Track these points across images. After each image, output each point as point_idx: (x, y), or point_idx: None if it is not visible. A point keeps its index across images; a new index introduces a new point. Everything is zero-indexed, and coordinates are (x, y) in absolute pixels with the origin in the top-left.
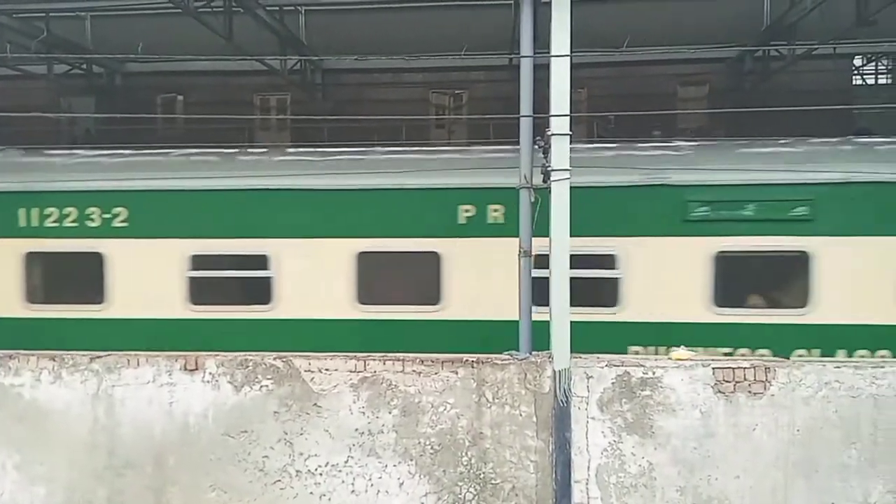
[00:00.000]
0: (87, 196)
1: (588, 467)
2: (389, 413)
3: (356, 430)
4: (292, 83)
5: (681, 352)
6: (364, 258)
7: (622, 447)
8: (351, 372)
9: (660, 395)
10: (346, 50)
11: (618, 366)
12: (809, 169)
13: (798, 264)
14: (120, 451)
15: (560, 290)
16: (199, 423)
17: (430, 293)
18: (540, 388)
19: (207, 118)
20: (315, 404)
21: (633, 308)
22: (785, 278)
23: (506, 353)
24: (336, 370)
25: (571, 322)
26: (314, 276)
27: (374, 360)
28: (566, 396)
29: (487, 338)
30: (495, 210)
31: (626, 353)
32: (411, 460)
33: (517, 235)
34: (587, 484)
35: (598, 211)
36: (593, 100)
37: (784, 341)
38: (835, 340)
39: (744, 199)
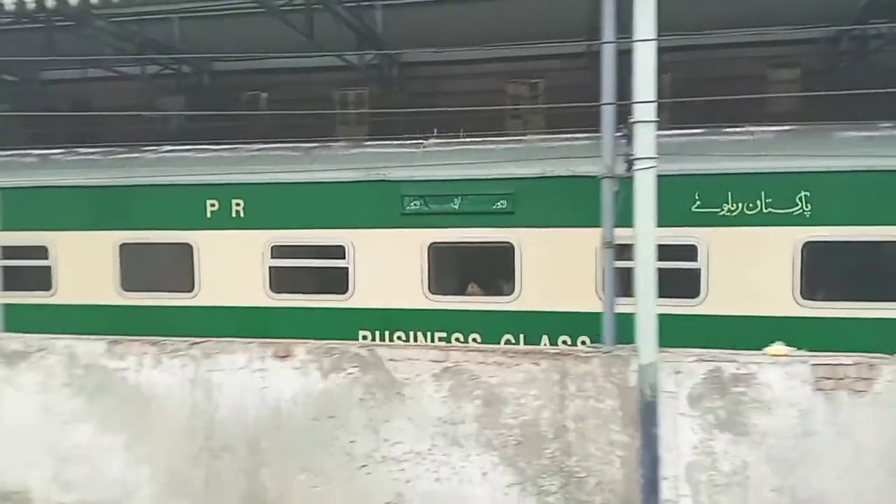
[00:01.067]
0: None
1: (677, 464)
2: (471, 403)
3: (439, 418)
4: (370, 78)
5: (777, 347)
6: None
7: (714, 444)
8: (433, 362)
9: (754, 391)
10: (423, 43)
11: (708, 361)
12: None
13: (504, 254)
14: (217, 435)
15: (646, 283)
16: (290, 408)
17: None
18: (625, 382)
19: (289, 114)
20: (398, 393)
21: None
22: (494, 268)
23: (589, 345)
24: (418, 360)
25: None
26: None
27: (456, 350)
28: (653, 392)
29: None
30: None
31: (356, 338)
32: (494, 451)
33: None
34: (676, 481)
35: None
36: (677, 84)
37: (493, 327)
38: (539, 327)
39: (453, 193)
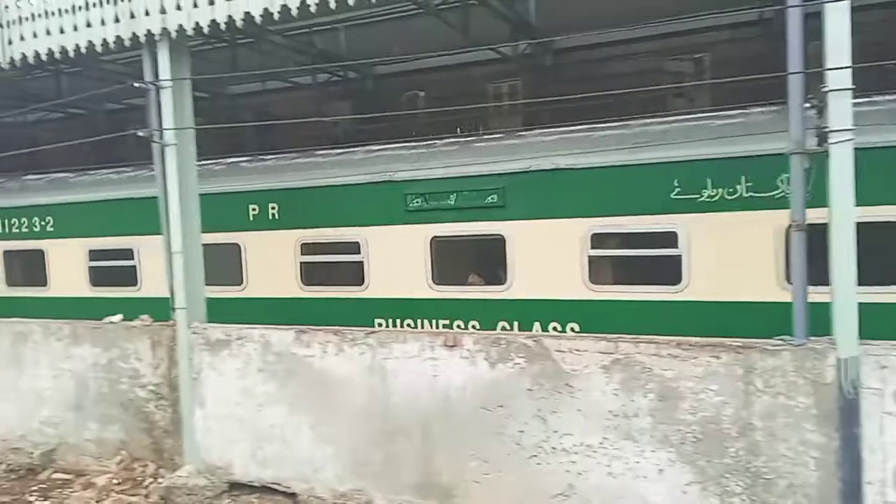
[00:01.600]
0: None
1: (884, 468)
2: (645, 397)
3: (610, 411)
4: (523, 68)
5: None
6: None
7: None
8: (602, 353)
9: None
10: (577, 28)
11: None
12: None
13: (497, 246)
14: (392, 419)
15: (845, 269)
16: (459, 395)
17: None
18: (820, 378)
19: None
20: (567, 384)
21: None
22: (489, 259)
23: (777, 337)
24: (586, 351)
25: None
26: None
27: (626, 341)
28: (854, 388)
29: None
30: None
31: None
32: (671, 447)
33: None
34: (883, 486)
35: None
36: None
37: (489, 314)
38: (530, 314)
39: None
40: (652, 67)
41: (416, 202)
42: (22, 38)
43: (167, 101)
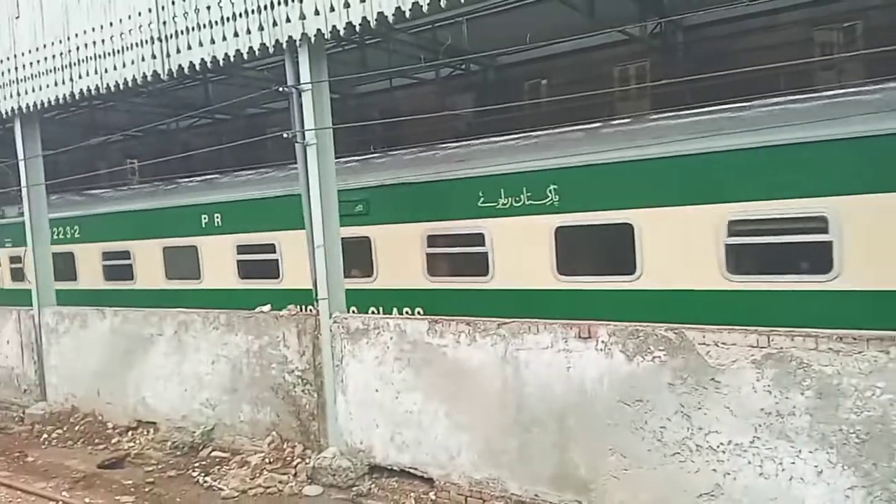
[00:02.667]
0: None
1: None
2: (801, 394)
3: (761, 409)
4: (652, 48)
5: None
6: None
7: None
8: (752, 347)
9: None
10: (711, 0)
11: None
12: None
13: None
14: (526, 409)
15: None
16: (595, 388)
17: None
18: None
19: (567, 98)
20: (712, 379)
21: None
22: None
23: None
24: (734, 344)
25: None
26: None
27: (780, 335)
28: None
29: None
30: None
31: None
32: (831, 448)
33: None
34: None
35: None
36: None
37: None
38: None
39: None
40: (798, 38)
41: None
42: (178, 51)
43: (307, 103)
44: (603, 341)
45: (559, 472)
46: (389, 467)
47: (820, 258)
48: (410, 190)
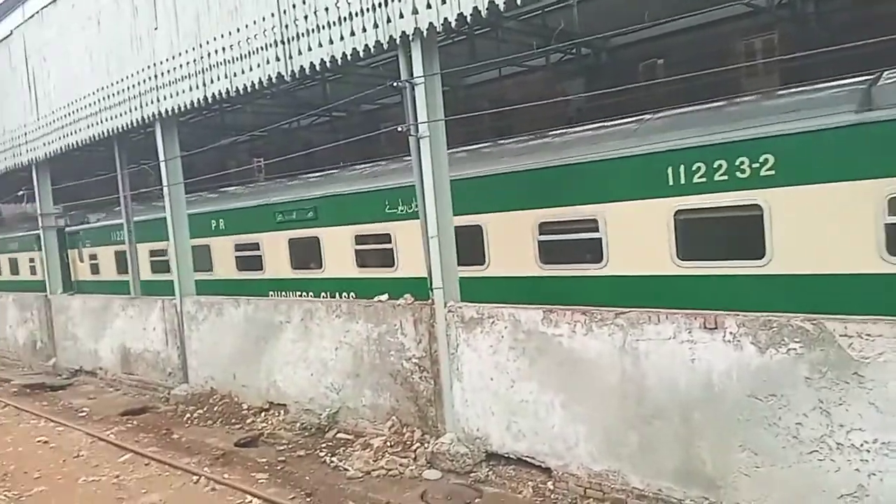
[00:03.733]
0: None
1: None
2: None
3: None
4: (780, 19)
5: None
6: None
7: None
8: None
9: None
10: None
11: None
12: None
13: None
14: (647, 402)
15: None
16: (723, 381)
17: None
18: None
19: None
20: (855, 373)
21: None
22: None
23: None
24: (880, 336)
25: None
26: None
27: None
28: None
29: None
30: None
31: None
32: None
33: None
34: None
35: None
36: None
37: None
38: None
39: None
40: None
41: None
42: (300, 52)
43: (420, 97)
44: (731, 332)
45: (684, 467)
46: (506, 455)
47: None
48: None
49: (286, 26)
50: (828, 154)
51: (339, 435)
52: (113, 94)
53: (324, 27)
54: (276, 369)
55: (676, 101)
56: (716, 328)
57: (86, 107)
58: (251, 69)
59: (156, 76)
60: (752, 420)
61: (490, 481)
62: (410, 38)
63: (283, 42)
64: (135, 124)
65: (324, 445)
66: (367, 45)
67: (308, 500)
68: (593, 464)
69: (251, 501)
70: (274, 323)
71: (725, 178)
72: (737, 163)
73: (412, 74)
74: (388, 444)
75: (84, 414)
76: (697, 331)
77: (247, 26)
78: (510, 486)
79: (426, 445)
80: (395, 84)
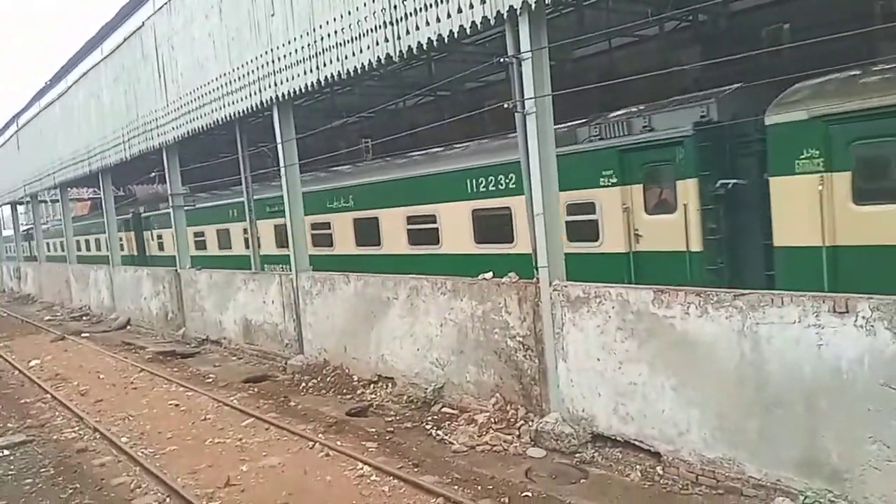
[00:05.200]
0: None
1: None
2: None
3: None
4: None
5: None
6: None
7: None
8: None
9: None
10: None
11: None
12: None
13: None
14: (767, 388)
15: None
16: (854, 369)
17: None
18: None
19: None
20: None
21: None
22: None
23: None
24: None
25: None
26: None
27: None
28: None
29: None
30: None
31: None
32: None
33: None
34: None
35: None
36: None
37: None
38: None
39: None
40: None
41: None
42: (407, 32)
43: (527, 72)
44: (864, 317)
45: (807, 457)
46: (613, 437)
47: None
48: None
49: (395, 7)
50: None
51: (443, 409)
52: (234, 80)
53: (431, 5)
54: (384, 344)
55: (804, 69)
56: (846, 312)
57: (210, 92)
58: (361, 51)
59: (272, 61)
60: (885, 411)
61: (596, 462)
62: (518, 11)
63: (391, 23)
64: (254, 108)
65: (429, 418)
66: (473, 22)
67: (415, 470)
68: (706, 450)
69: (362, 468)
70: (382, 299)
71: (495, 189)
72: (499, 179)
73: (519, 50)
74: (492, 420)
75: (210, 380)
76: (825, 314)
77: (357, 9)
78: (616, 468)
79: (530, 423)
80: (501, 60)
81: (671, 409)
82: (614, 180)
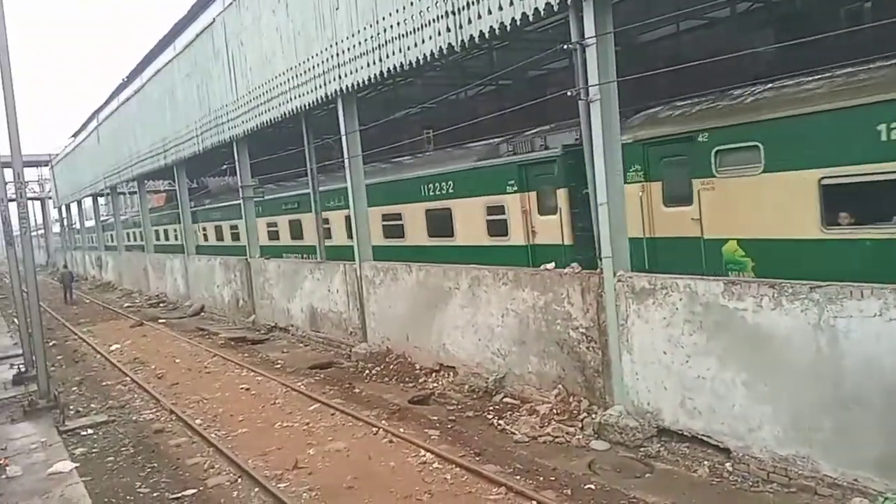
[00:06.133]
0: None
1: None
2: None
3: None
4: None
5: None
6: None
7: None
8: None
9: None
10: None
11: None
12: None
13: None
14: (845, 384)
15: None
16: None
17: None
18: None
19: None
20: None
21: None
22: None
23: None
24: None
25: None
26: None
27: None
28: None
29: None
30: None
31: None
32: None
33: None
34: None
35: None
36: None
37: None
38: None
39: None
40: None
41: None
42: (469, 21)
43: (592, 58)
44: None
45: (887, 457)
46: (679, 432)
47: None
48: None
49: None
50: (472, 182)
51: (505, 399)
52: (300, 74)
53: None
54: (446, 333)
55: (890, 50)
56: None
57: (277, 86)
58: (423, 42)
59: (337, 54)
60: None
61: (661, 457)
62: None
63: (453, 13)
64: (319, 101)
65: (491, 408)
66: (536, 9)
67: (477, 459)
68: (779, 448)
69: (424, 455)
70: (443, 288)
71: (440, 192)
72: (443, 185)
73: (583, 35)
74: (554, 411)
75: (279, 366)
76: None
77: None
78: (683, 463)
79: (593, 416)
80: (564, 47)
81: (742, 405)
82: (516, 188)
